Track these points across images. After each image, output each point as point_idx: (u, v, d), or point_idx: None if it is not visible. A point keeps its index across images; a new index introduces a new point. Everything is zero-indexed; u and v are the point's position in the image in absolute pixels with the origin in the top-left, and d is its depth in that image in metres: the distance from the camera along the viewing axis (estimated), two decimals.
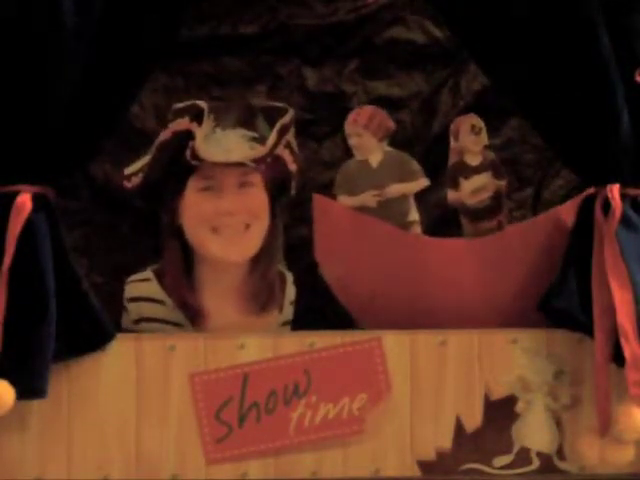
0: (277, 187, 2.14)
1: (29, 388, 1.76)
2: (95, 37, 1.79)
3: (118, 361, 1.83)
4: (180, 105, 2.03)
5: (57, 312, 1.77)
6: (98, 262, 2.85)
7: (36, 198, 1.79)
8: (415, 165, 2.22)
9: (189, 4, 1.87)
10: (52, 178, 1.81)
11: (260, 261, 2.11)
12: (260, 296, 2.11)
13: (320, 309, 2.08)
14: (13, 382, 1.74)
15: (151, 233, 2.30)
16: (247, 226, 2.07)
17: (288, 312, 2.16)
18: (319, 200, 2.05)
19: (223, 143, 2.02)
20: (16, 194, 1.78)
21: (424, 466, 1.85)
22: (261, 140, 2.04)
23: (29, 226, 1.77)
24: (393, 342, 1.86)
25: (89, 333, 1.81)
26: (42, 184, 1.79)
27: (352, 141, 2.24)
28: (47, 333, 1.75)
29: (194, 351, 1.84)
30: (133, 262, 2.24)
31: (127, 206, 2.81)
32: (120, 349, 1.83)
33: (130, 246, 2.85)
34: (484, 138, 2.23)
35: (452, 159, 2.25)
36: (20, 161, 1.79)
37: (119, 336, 1.84)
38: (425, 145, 2.89)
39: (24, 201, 1.77)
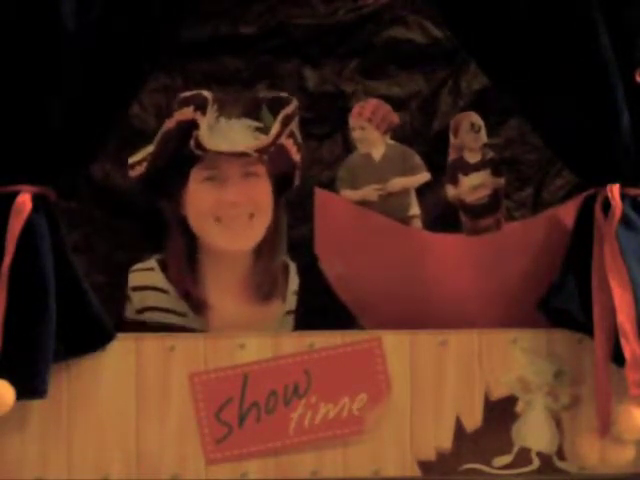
0: (281, 177, 2.14)
1: (29, 388, 1.75)
2: (95, 37, 1.79)
3: (118, 361, 1.83)
4: (185, 94, 2.03)
5: (57, 312, 1.76)
6: (98, 262, 2.85)
7: (36, 198, 1.78)
8: (417, 159, 2.22)
9: (189, 4, 1.87)
10: (52, 178, 1.81)
11: (263, 251, 2.11)
12: (263, 286, 2.12)
13: (323, 300, 2.08)
14: (13, 382, 1.73)
15: (152, 232, 2.30)
16: (251, 216, 2.07)
17: (291, 302, 2.16)
18: (321, 194, 2.05)
19: (227, 133, 2.03)
20: (16, 194, 1.78)
21: (424, 466, 1.85)
22: (265, 130, 2.04)
23: (29, 226, 1.77)
24: (393, 342, 1.85)
25: (89, 333, 1.81)
26: (42, 184, 1.79)
27: (355, 134, 2.24)
28: (47, 333, 1.75)
29: (194, 351, 1.84)
30: (134, 261, 2.23)
31: (127, 205, 2.82)
32: (120, 349, 1.83)
33: (130, 245, 2.85)
34: (483, 136, 2.23)
35: (452, 155, 2.25)
36: (20, 161, 1.79)
37: (119, 336, 1.84)
38: (425, 145, 2.89)
39: (24, 201, 1.77)
